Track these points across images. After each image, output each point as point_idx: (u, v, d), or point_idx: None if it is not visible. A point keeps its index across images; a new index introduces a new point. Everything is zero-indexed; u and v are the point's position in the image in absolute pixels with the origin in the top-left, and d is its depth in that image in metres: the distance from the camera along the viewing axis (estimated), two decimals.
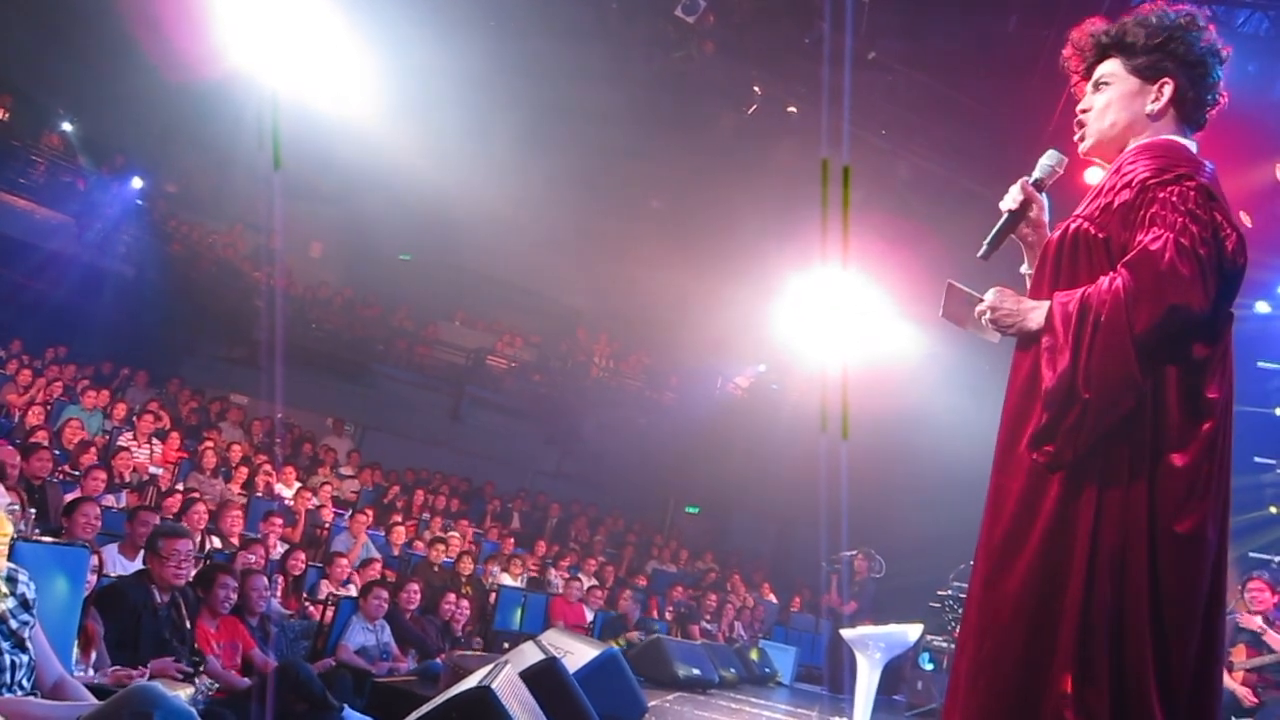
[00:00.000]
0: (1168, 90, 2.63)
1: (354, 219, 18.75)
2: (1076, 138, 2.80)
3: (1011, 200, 2.79)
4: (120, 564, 6.78)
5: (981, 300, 2.69)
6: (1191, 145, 2.64)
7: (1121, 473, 2.38)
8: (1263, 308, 11.70)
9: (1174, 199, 2.39)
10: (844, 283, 14.12)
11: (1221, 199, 2.45)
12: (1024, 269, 2.89)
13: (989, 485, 2.64)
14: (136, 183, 17.01)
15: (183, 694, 4.24)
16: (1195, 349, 2.39)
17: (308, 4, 12.36)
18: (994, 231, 2.81)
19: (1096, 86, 2.74)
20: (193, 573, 5.85)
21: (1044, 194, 2.84)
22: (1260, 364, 12.26)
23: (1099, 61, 2.75)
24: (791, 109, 12.75)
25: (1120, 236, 2.47)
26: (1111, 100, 2.70)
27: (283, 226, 16.56)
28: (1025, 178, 2.82)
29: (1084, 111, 2.77)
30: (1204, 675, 2.40)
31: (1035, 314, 2.53)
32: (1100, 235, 2.52)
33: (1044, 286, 2.62)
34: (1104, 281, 2.39)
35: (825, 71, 11.01)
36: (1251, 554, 11.74)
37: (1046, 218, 2.83)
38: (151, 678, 4.52)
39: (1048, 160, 2.83)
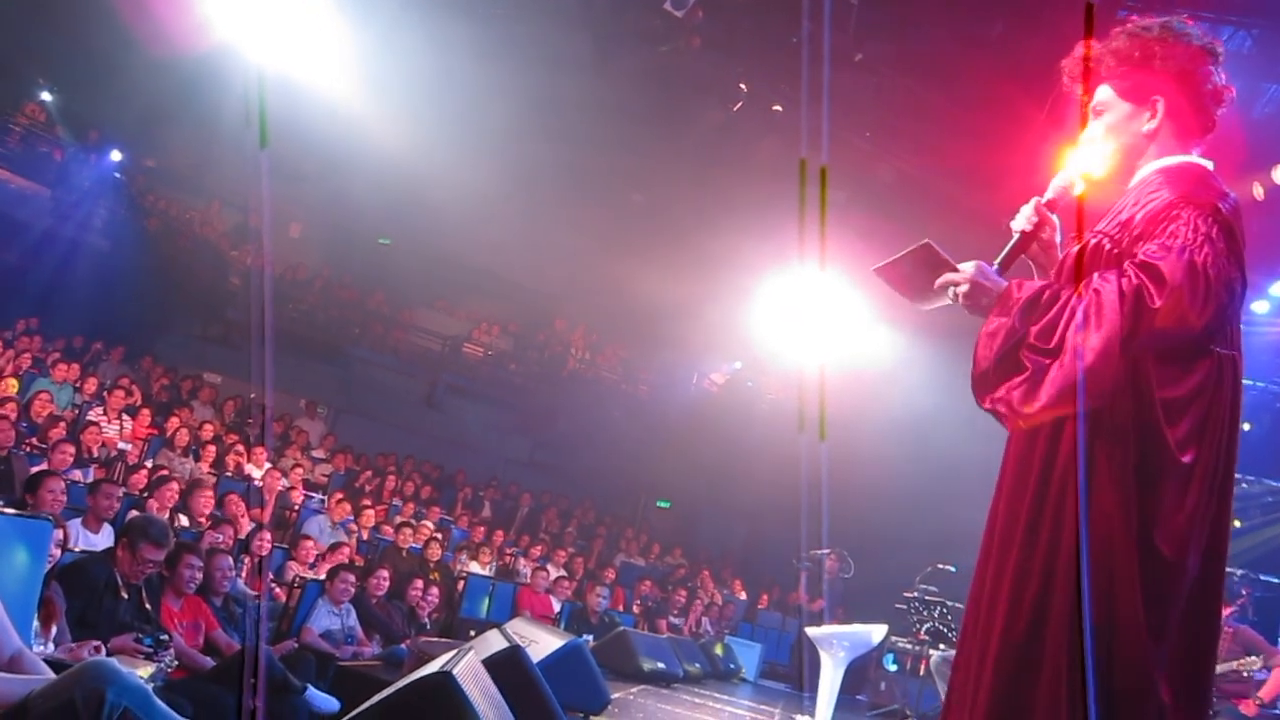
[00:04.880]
0: (1160, 107, 2.63)
1: (334, 201, 18.60)
2: (1084, 163, 2.78)
3: (1024, 220, 2.77)
4: (84, 537, 6.74)
5: (957, 270, 2.60)
6: (1206, 164, 2.64)
7: (1106, 489, 2.36)
8: None
9: (1197, 220, 2.39)
10: (821, 283, 14.13)
11: (1240, 236, 2.44)
12: None
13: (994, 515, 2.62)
14: (115, 156, 16.85)
15: (142, 672, 4.21)
16: (1180, 368, 2.37)
17: None
18: (1005, 251, 2.77)
19: (1095, 112, 2.73)
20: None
21: (1054, 215, 2.82)
22: None
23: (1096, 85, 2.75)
24: (777, 107, 12.74)
25: (1134, 250, 2.44)
26: (1108, 126, 2.69)
27: (262, 206, 16.45)
28: (1038, 198, 2.79)
29: (1088, 139, 2.76)
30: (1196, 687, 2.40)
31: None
32: (1116, 251, 2.50)
33: None
34: (1109, 278, 2.36)
35: (811, 71, 11.01)
36: None
37: (1058, 238, 2.82)
38: (112, 655, 4.48)
39: (1060, 180, 2.80)
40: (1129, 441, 2.37)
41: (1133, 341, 2.29)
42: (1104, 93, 2.71)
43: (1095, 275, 2.39)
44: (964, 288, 2.56)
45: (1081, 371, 2.29)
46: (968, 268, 2.57)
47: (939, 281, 2.62)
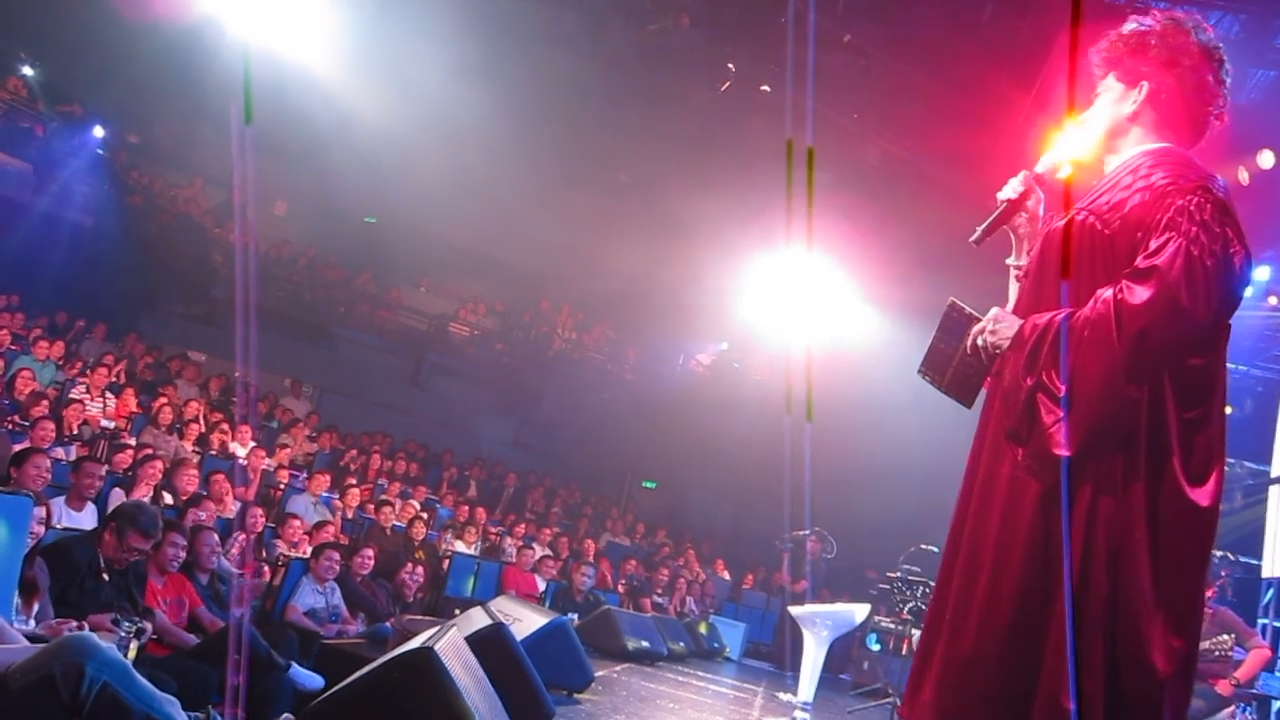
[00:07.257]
0: (1144, 90, 2.71)
1: (320, 179, 18.49)
2: (1072, 145, 2.84)
3: (1011, 190, 2.84)
4: (68, 515, 6.71)
5: (980, 320, 2.72)
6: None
7: (1115, 476, 2.39)
8: None
9: (1191, 208, 2.44)
10: (808, 264, 14.13)
11: (1235, 215, 2.49)
12: (1011, 260, 2.93)
13: (975, 471, 2.68)
14: (98, 132, 16.70)
15: (129, 654, 4.20)
16: (1192, 358, 2.41)
17: None
18: (989, 219, 2.84)
19: (1096, 98, 2.82)
20: None
21: (1040, 189, 2.88)
22: None
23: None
24: (764, 88, 12.69)
25: (1129, 237, 2.50)
26: (1097, 108, 2.79)
27: (247, 183, 16.34)
28: (1028, 170, 2.86)
29: (1081, 122, 2.84)
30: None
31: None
32: (1106, 232, 2.55)
33: (1047, 278, 2.67)
34: (1101, 294, 2.43)
35: (799, 52, 10.98)
36: None
37: (1041, 211, 2.87)
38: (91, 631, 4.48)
39: (1052, 156, 2.86)
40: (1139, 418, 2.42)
41: (1141, 361, 2.35)
42: (1108, 79, 2.80)
43: (1095, 296, 2.44)
44: (990, 325, 2.66)
45: (1091, 420, 2.38)
46: (990, 313, 2.71)
47: (969, 339, 2.73)
